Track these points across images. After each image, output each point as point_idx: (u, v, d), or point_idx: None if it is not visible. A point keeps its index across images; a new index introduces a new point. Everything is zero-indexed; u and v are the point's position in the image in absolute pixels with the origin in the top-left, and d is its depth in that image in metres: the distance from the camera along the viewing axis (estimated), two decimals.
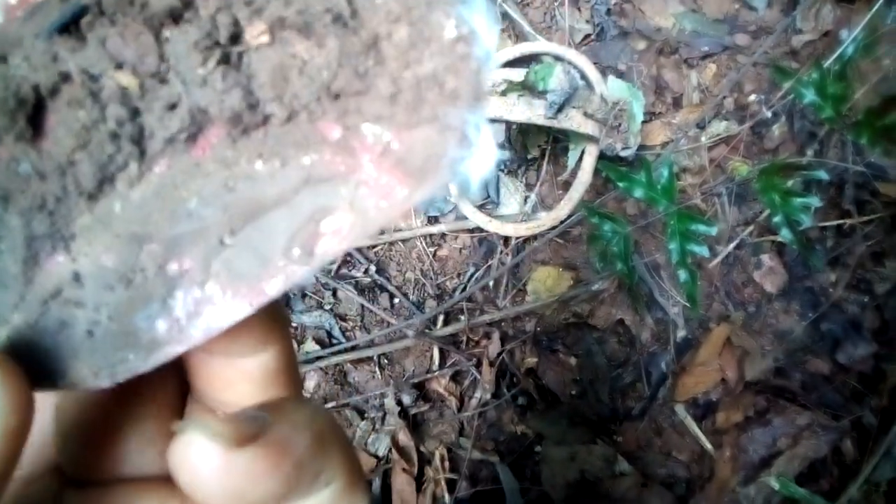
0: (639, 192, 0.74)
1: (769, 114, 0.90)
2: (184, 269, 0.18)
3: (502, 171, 0.96)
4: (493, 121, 0.86)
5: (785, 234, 0.73)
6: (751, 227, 0.92)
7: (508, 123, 0.86)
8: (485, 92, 0.18)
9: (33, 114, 0.18)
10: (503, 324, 0.94)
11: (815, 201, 0.74)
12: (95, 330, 0.19)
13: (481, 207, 0.95)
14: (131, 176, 0.18)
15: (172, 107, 0.18)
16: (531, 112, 0.82)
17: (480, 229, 0.94)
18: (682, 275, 0.74)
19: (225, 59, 0.18)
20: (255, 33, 0.18)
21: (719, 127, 0.94)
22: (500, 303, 0.94)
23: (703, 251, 0.74)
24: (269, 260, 0.18)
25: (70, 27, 0.18)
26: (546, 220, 0.90)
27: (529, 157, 0.95)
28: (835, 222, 0.93)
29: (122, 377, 0.19)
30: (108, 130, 0.18)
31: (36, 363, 0.19)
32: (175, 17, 0.18)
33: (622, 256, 0.74)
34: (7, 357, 0.17)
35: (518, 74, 0.82)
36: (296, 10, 0.18)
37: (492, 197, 0.96)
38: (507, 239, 0.95)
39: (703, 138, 0.93)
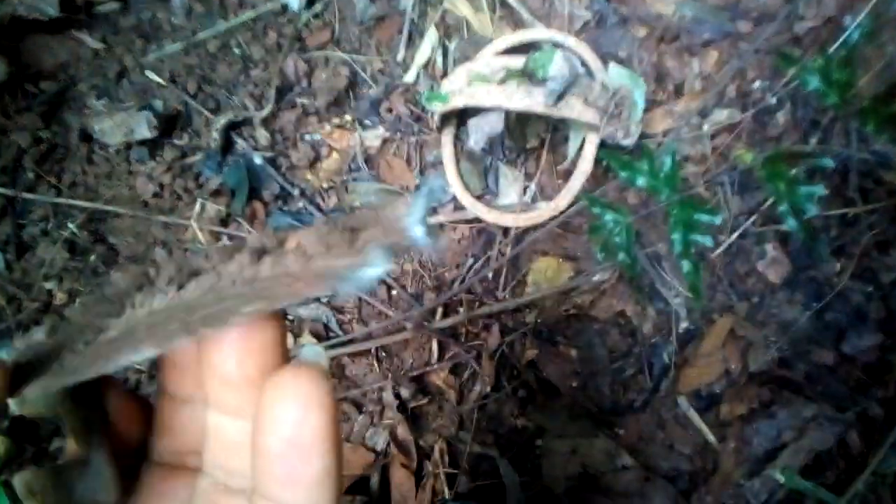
0: (641, 181, 0.73)
1: (774, 100, 0.88)
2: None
3: (501, 160, 0.94)
4: (492, 109, 0.84)
5: (790, 224, 0.72)
6: (754, 217, 0.91)
7: (507, 112, 0.84)
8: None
9: None
10: (503, 316, 0.93)
11: (820, 190, 0.72)
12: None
13: (480, 198, 0.93)
14: None
15: None
16: (530, 100, 0.80)
17: (479, 220, 0.92)
18: (686, 265, 0.72)
19: None
20: None
21: (722, 115, 0.92)
22: (500, 294, 0.93)
23: (706, 241, 0.72)
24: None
25: None
26: (546, 210, 0.89)
27: (528, 146, 0.93)
28: (839, 211, 0.91)
29: None
30: None
31: None
32: None
33: (624, 247, 0.73)
34: None
35: (517, 62, 0.81)
36: None
37: (490, 187, 0.94)
38: (506, 230, 0.93)
39: (705, 126, 0.92)
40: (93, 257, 0.88)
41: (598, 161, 0.88)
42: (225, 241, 0.89)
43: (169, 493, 0.25)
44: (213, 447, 0.25)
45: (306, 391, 0.22)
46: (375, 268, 0.22)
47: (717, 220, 0.72)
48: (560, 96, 0.79)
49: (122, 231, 0.91)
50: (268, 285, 0.22)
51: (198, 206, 0.88)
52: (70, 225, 0.89)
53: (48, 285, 0.88)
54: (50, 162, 0.91)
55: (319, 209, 0.94)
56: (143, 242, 0.90)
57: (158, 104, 0.92)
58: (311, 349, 0.24)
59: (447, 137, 0.93)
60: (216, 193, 0.90)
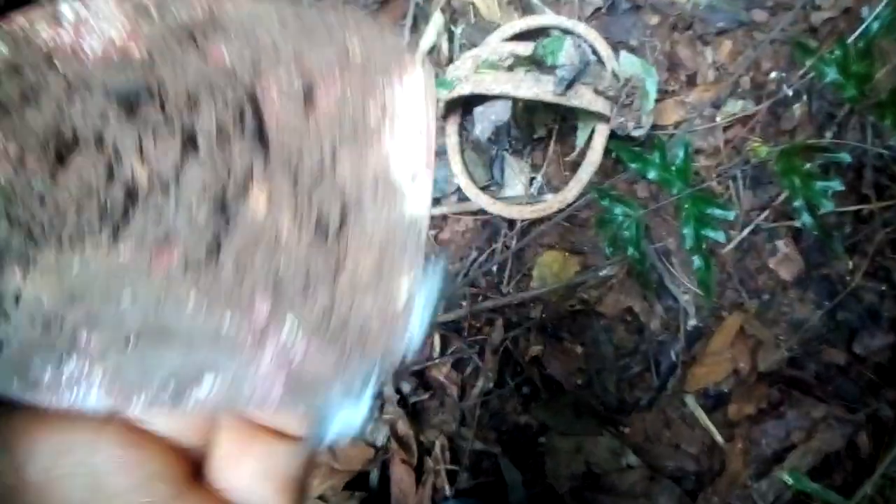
0: (652, 174, 0.70)
1: (790, 92, 0.85)
2: (88, 344, 0.21)
3: (507, 150, 0.92)
4: (499, 97, 0.81)
5: (805, 219, 0.69)
6: (766, 212, 0.88)
7: (514, 100, 0.82)
8: (390, 365, 0.21)
9: (62, 149, 0.21)
10: (507, 310, 0.91)
11: (836, 185, 0.70)
12: (4, 347, 0.20)
13: (485, 189, 0.91)
14: (98, 247, 0.21)
15: (158, 215, 0.21)
16: (539, 88, 0.77)
17: (484, 212, 0.90)
18: (697, 261, 0.70)
19: (221, 209, 0.21)
20: (258, 197, 0.21)
21: (735, 106, 0.90)
22: (504, 288, 0.91)
23: (718, 236, 0.70)
24: (147, 381, 0.21)
25: (128, 100, 0.21)
26: (553, 202, 0.86)
27: (536, 136, 0.90)
28: (853, 207, 0.89)
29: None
30: (104, 200, 0.21)
31: None
32: (196, 147, 0.21)
33: (633, 241, 0.71)
34: None
35: (526, 48, 0.78)
36: (299, 199, 0.21)
37: (496, 178, 0.92)
38: (511, 222, 0.91)
39: (718, 118, 0.89)
40: None
41: (607, 152, 0.85)
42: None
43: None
44: None
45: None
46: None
47: (731, 216, 0.70)
48: (569, 85, 0.77)
49: None
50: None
51: None
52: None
53: None
54: None
55: None
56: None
57: None
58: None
59: (452, 126, 0.91)
60: None
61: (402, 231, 0.22)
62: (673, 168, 0.69)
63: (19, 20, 0.22)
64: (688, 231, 0.70)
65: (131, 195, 0.21)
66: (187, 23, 0.22)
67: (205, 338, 0.21)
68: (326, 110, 0.22)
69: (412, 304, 0.21)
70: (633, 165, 0.71)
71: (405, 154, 0.22)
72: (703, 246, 0.70)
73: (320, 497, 0.83)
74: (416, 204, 0.22)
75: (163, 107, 0.21)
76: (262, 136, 0.22)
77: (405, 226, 0.22)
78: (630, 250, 0.71)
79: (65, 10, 0.22)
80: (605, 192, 0.73)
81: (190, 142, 0.21)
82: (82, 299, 0.21)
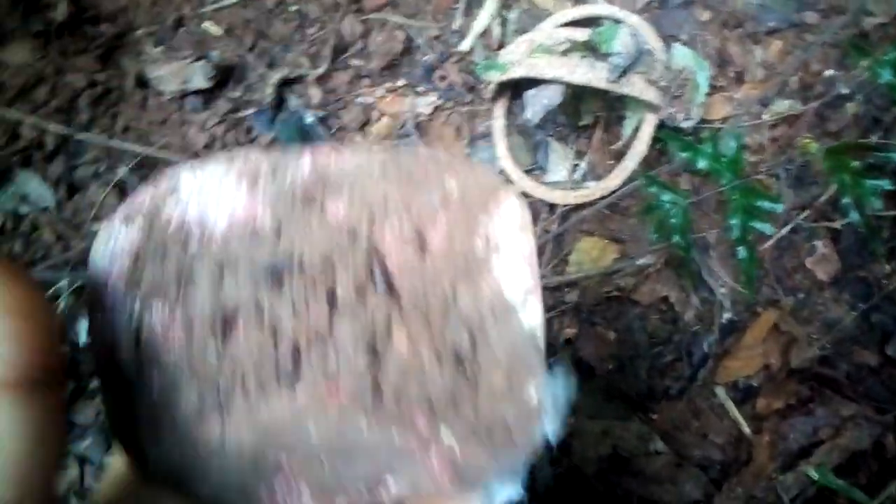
0: (702, 163, 0.72)
1: (840, 93, 0.86)
2: (290, 466, 0.25)
3: (552, 136, 0.93)
4: (551, 82, 0.83)
5: (853, 217, 0.70)
6: (807, 212, 0.89)
7: (566, 85, 0.83)
8: (533, 453, 0.25)
9: (227, 318, 0.24)
10: (542, 292, 0.92)
11: (886, 184, 0.71)
12: (213, 487, 0.25)
13: (528, 173, 0.92)
14: (280, 394, 0.24)
15: (324, 362, 0.24)
16: (592, 74, 0.79)
17: (526, 195, 0.92)
18: (741, 252, 0.72)
19: (372, 351, 0.24)
20: (401, 339, 0.24)
21: (783, 105, 0.90)
22: (542, 271, 0.92)
23: (765, 228, 0.71)
24: (343, 487, 0.25)
25: (275, 272, 0.24)
26: (596, 189, 0.88)
27: (582, 123, 0.92)
28: (893, 212, 0.89)
29: None
30: (275, 358, 0.24)
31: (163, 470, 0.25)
32: (344, 304, 0.24)
33: (680, 229, 0.72)
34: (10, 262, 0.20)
35: (582, 34, 0.80)
36: (434, 339, 0.25)
37: (540, 162, 0.93)
38: (552, 206, 0.92)
39: (764, 116, 0.90)
40: None
41: (653, 143, 0.86)
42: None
43: None
44: None
45: None
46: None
47: (779, 208, 0.71)
48: (623, 72, 0.78)
49: None
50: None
51: None
52: (121, 169, 0.90)
53: (96, 227, 0.88)
54: (104, 105, 0.92)
55: None
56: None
57: (215, 55, 0.91)
58: None
59: (500, 109, 0.92)
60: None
61: (523, 342, 0.25)
62: (724, 159, 0.71)
63: (144, 200, 0.25)
64: (735, 222, 0.71)
65: (297, 349, 0.24)
66: (299, 184, 0.25)
67: (381, 449, 0.25)
68: (439, 250, 0.25)
69: (543, 404, 0.25)
70: (683, 154, 0.72)
71: (513, 276, 0.25)
72: (749, 238, 0.71)
73: None
74: (531, 316, 0.25)
75: (303, 271, 0.24)
76: (390, 283, 0.25)
77: (524, 337, 0.25)
78: (676, 237, 0.72)
79: (183, 184, 0.25)
80: (653, 178, 0.74)
81: (334, 298, 0.25)
82: (277, 435, 0.24)
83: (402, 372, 0.25)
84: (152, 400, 0.24)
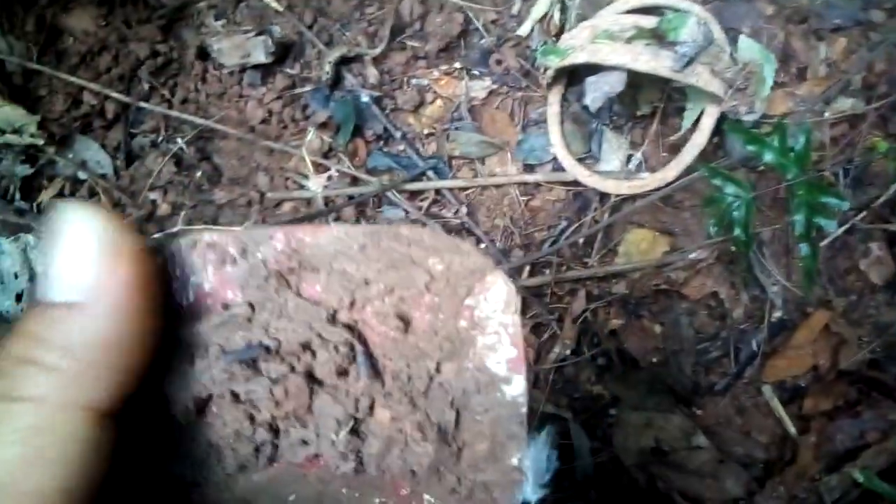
0: (769, 157, 0.71)
1: None
2: None
3: (607, 125, 0.93)
4: (614, 68, 0.82)
5: None
6: (864, 213, 0.88)
7: (629, 72, 0.82)
8: None
9: (198, 401, 0.24)
10: (589, 282, 0.92)
11: None
12: None
13: (580, 161, 0.92)
14: (258, 467, 0.25)
15: (304, 443, 0.25)
16: (657, 63, 0.78)
17: (577, 183, 0.91)
18: (804, 249, 0.71)
19: (354, 431, 0.25)
20: (383, 417, 0.25)
21: (845, 104, 0.89)
22: (589, 261, 0.92)
23: (830, 225, 0.70)
24: None
25: (250, 359, 0.24)
26: (651, 180, 0.87)
27: (639, 113, 0.91)
28: None
29: None
30: (253, 440, 0.24)
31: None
32: (325, 384, 0.25)
33: (742, 223, 0.71)
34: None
35: (649, 21, 0.79)
36: (417, 415, 0.25)
37: (593, 151, 0.93)
38: (603, 196, 0.92)
39: (826, 114, 0.89)
40: (198, 174, 0.90)
41: (710, 137, 0.85)
42: (331, 172, 0.90)
43: None
44: None
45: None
46: None
47: (845, 206, 0.70)
48: (689, 62, 0.77)
49: (228, 152, 0.92)
50: None
51: (310, 135, 0.89)
52: (179, 140, 0.91)
53: (153, 195, 0.90)
54: (164, 76, 0.93)
55: (418, 154, 0.94)
56: (246, 166, 0.91)
57: (275, 30, 0.92)
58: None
59: (555, 96, 0.92)
60: (322, 126, 0.91)
61: (506, 411, 0.25)
62: (791, 154, 0.70)
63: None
64: (799, 218, 0.70)
65: (275, 430, 0.25)
66: (272, 263, 0.25)
67: None
68: (423, 331, 0.25)
69: (525, 471, 0.25)
70: (749, 148, 0.71)
71: (498, 351, 0.25)
72: (813, 234, 0.70)
73: None
74: (515, 387, 0.25)
75: (279, 354, 0.25)
76: (372, 364, 0.25)
77: (508, 407, 0.25)
78: (737, 231, 0.72)
79: None
80: (716, 170, 0.73)
81: (313, 380, 0.25)
82: (253, 501, 0.25)
83: (385, 447, 0.25)
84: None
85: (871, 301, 0.88)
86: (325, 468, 0.25)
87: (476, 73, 0.95)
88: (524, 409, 0.25)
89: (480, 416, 0.25)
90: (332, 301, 0.25)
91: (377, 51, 0.92)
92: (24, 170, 0.90)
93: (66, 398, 0.20)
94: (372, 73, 0.94)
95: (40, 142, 0.88)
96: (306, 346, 0.25)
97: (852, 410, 0.84)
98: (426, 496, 0.25)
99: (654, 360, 0.90)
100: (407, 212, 0.93)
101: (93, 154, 0.92)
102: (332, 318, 0.25)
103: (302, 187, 0.92)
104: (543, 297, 0.92)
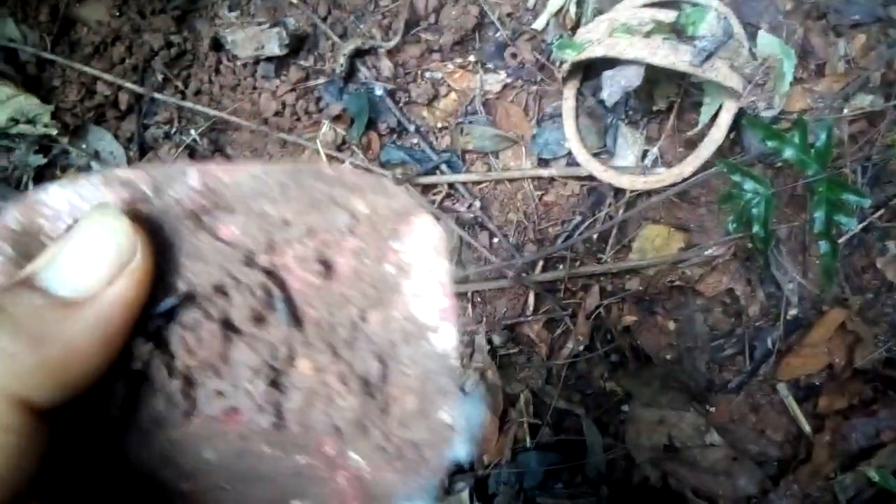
0: (789, 153, 0.70)
1: None
2: (189, 491, 0.24)
3: (622, 120, 0.92)
4: (631, 63, 0.81)
5: None
6: (881, 211, 0.87)
7: (647, 67, 0.81)
8: (443, 473, 0.24)
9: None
10: (602, 278, 0.92)
11: None
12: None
13: (595, 156, 0.91)
14: (175, 422, 0.23)
15: (219, 395, 0.23)
16: (675, 57, 0.77)
17: (592, 178, 0.91)
18: (823, 246, 0.70)
19: (273, 384, 0.23)
20: (305, 368, 0.24)
21: (864, 101, 0.88)
22: (603, 256, 0.92)
23: (850, 223, 0.70)
24: (256, 489, 0.24)
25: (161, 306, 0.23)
26: (667, 175, 0.86)
27: (655, 108, 0.90)
28: None
29: None
30: (168, 390, 0.23)
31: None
32: (241, 332, 0.23)
33: (761, 219, 0.71)
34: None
35: (668, 15, 0.78)
36: (341, 366, 0.24)
37: (608, 146, 0.92)
38: (618, 191, 0.91)
39: (844, 110, 0.88)
40: None
41: (727, 132, 0.85)
42: (346, 164, 0.89)
43: None
44: None
45: None
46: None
47: (866, 203, 0.69)
48: (708, 57, 0.76)
49: (241, 144, 0.92)
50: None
51: (324, 128, 0.89)
52: (192, 131, 0.91)
53: None
54: (178, 67, 0.92)
55: (432, 148, 0.94)
56: (259, 158, 0.91)
57: (290, 22, 0.92)
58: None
59: (570, 90, 0.91)
60: (336, 119, 0.90)
61: (436, 365, 0.24)
62: (812, 150, 0.69)
63: (14, 214, 0.23)
64: (819, 215, 0.69)
65: (190, 381, 0.23)
66: (187, 202, 0.23)
67: (286, 474, 0.24)
68: (346, 276, 0.24)
69: (455, 427, 0.24)
70: (769, 143, 0.71)
71: (426, 298, 0.24)
72: (833, 231, 0.69)
73: None
74: (444, 339, 0.24)
75: (193, 300, 0.23)
76: (292, 311, 0.24)
77: (437, 360, 0.24)
78: (756, 227, 0.71)
79: (51, 199, 0.23)
80: (735, 166, 0.72)
81: (228, 327, 0.23)
82: (175, 464, 0.24)
83: (307, 400, 0.24)
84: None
85: (888, 299, 0.87)
86: (245, 425, 0.24)
87: (491, 66, 0.95)
88: (455, 362, 0.24)
89: (408, 368, 0.24)
90: (250, 243, 0.24)
91: (392, 43, 0.92)
92: (38, 160, 0.90)
93: (2, 383, 0.19)
94: (386, 66, 0.93)
95: (54, 132, 0.88)
96: (221, 290, 0.23)
97: (867, 409, 0.84)
98: (352, 454, 0.24)
99: (668, 356, 0.89)
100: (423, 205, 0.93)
101: (106, 144, 0.92)
102: (249, 261, 0.23)
103: None
104: (557, 292, 0.92)
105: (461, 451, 0.23)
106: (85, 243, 0.21)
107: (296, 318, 0.24)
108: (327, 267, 0.24)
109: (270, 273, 0.24)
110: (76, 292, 0.21)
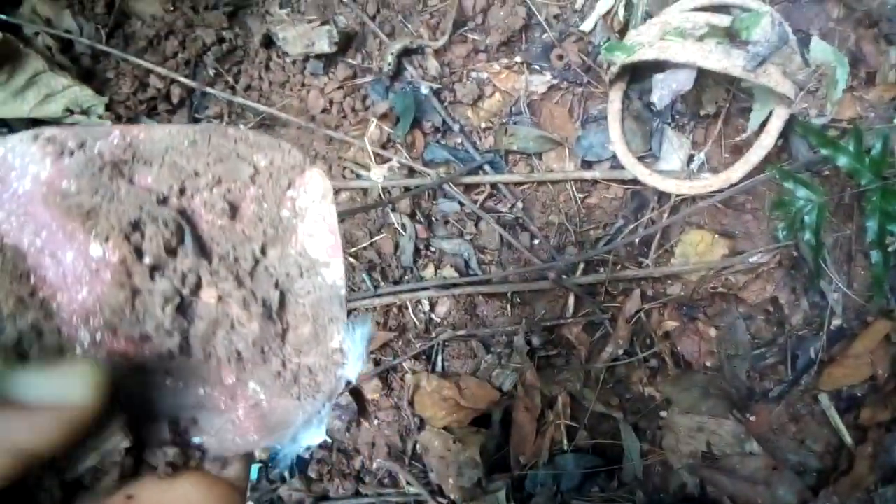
0: (843, 162, 0.70)
1: None
2: None
3: (669, 124, 0.92)
4: (683, 66, 0.81)
5: None
6: None
7: (700, 71, 0.81)
8: (336, 396, 0.28)
9: (29, 275, 0.26)
10: (644, 282, 0.92)
11: None
12: None
13: (640, 159, 0.91)
14: (82, 354, 0.25)
15: (130, 319, 0.26)
16: (728, 62, 0.77)
17: (635, 182, 0.91)
18: (875, 256, 0.70)
19: (181, 310, 0.26)
20: (210, 295, 0.27)
21: None
22: (645, 261, 0.91)
23: None
24: (157, 428, 0.26)
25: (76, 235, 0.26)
26: (714, 181, 0.86)
27: (703, 113, 0.90)
28: None
29: None
30: (77, 318, 0.25)
31: None
32: (152, 264, 0.26)
33: (814, 227, 0.70)
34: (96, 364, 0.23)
35: (722, 20, 0.78)
36: (243, 292, 0.27)
37: (653, 150, 0.92)
38: (662, 196, 0.91)
39: (895, 120, 0.87)
40: None
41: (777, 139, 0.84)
42: (391, 164, 0.90)
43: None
44: None
45: None
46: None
47: None
48: (761, 62, 0.76)
49: (289, 140, 0.93)
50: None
51: (372, 126, 0.90)
52: (241, 126, 0.92)
53: None
54: (229, 62, 0.94)
55: (475, 147, 0.94)
56: (306, 154, 0.92)
57: (340, 20, 0.93)
58: None
59: (617, 93, 0.91)
60: (382, 117, 0.91)
61: (328, 295, 0.28)
62: (867, 159, 0.68)
63: None
64: (871, 224, 0.69)
65: (101, 307, 0.26)
66: (108, 155, 0.27)
67: (187, 406, 0.27)
68: (249, 218, 0.28)
69: (346, 352, 0.28)
70: (824, 150, 0.70)
71: (317, 237, 0.28)
72: (886, 241, 0.69)
73: (445, 428, 0.86)
74: (334, 272, 0.28)
75: (109, 232, 0.26)
76: (201, 245, 0.27)
77: (329, 290, 0.28)
78: (808, 235, 0.71)
79: None
80: (788, 173, 0.72)
81: (141, 256, 0.26)
82: None
83: (211, 329, 0.26)
84: None
85: None
86: (149, 357, 0.26)
87: (536, 67, 0.95)
88: (343, 292, 0.28)
89: (303, 298, 0.28)
90: (163, 188, 0.27)
91: (439, 43, 0.92)
92: None
93: None
94: (432, 66, 0.94)
95: (108, 123, 0.90)
96: (135, 225, 0.26)
97: None
98: (251, 384, 0.27)
99: (708, 363, 0.89)
100: (462, 204, 0.93)
101: None
102: (163, 201, 0.27)
103: (359, 177, 0.93)
104: (597, 295, 0.92)
105: (352, 373, 0.28)
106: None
107: (203, 252, 0.27)
108: (232, 209, 0.28)
109: (182, 213, 0.27)
110: (34, 399, 0.22)
